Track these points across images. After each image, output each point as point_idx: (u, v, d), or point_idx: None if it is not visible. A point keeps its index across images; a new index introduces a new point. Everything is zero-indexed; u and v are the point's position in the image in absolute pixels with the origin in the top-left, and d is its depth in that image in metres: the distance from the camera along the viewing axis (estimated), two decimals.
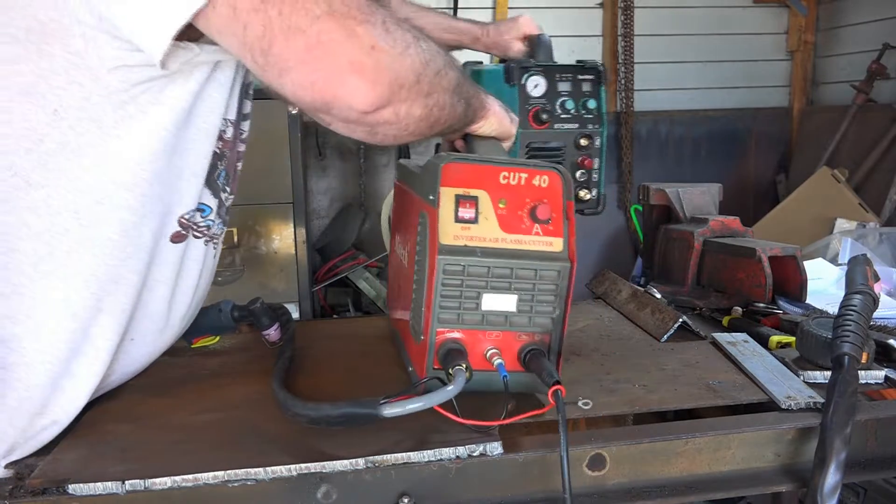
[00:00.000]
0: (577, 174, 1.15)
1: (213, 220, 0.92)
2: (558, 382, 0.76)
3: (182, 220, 0.87)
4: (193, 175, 0.86)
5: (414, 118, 0.73)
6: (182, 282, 0.91)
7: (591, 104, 1.14)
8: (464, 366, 0.78)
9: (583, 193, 1.16)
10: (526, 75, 1.10)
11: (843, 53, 3.59)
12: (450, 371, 0.78)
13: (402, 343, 0.99)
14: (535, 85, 1.10)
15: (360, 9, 0.67)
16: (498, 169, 0.82)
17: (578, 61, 1.15)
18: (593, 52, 3.52)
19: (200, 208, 0.89)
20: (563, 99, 1.12)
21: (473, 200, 0.81)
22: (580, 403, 0.84)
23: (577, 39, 3.50)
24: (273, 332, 1.07)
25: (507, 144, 0.95)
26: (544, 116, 1.10)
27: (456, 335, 0.82)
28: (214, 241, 0.95)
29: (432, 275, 0.79)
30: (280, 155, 2.74)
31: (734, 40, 3.66)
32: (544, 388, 0.78)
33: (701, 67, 3.67)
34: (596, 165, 1.15)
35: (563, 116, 1.12)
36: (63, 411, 0.81)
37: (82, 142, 0.76)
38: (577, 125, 1.13)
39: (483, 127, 0.90)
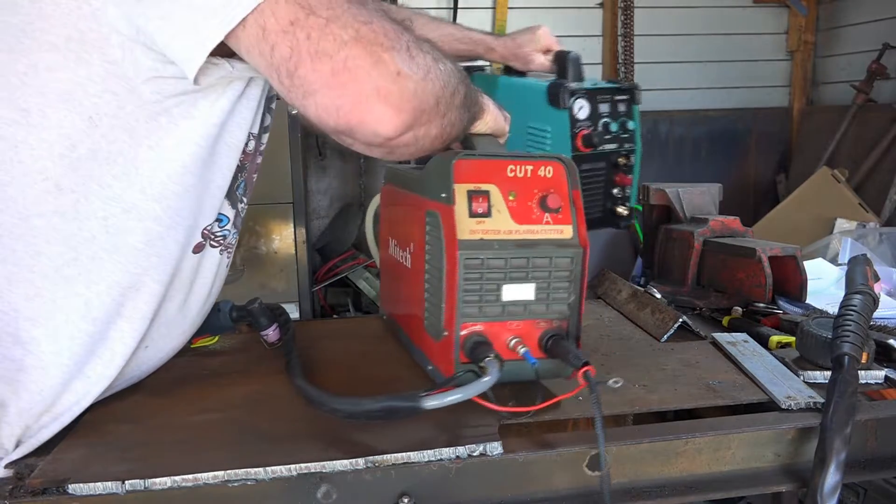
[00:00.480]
0: (615, 191, 1.16)
1: (229, 230, 0.93)
2: (587, 364, 0.77)
3: (204, 231, 0.88)
4: (217, 188, 0.87)
5: (430, 138, 0.74)
6: (196, 290, 0.92)
7: (631, 125, 1.15)
8: (494, 356, 0.79)
9: (621, 210, 1.17)
10: (572, 99, 1.10)
11: (843, 53, 3.58)
12: (480, 364, 0.79)
13: (413, 344, 0.99)
14: (580, 108, 1.11)
15: (387, 35, 0.67)
16: (505, 163, 0.84)
17: (610, 80, 1.17)
18: (593, 52, 3.52)
19: (219, 219, 0.90)
20: (606, 121, 1.13)
21: (485, 195, 0.83)
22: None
23: (577, 39, 3.49)
24: (272, 333, 1.07)
25: (500, 141, 0.96)
26: (595, 140, 1.11)
27: (478, 328, 0.83)
28: (228, 250, 0.96)
29: (453, 271, 0.80)
30: (280, 155, 2.74)
31: (734, 40, 3.66)
32: (568, 371, 0.78)
33: (701, 67, 3.67)
34: (632, 183, 1.17)
35: (605, 138, 1.13)
36: (67, 410, 0.81)
37: (113, 150, 0.76)
38: (616, 145, 1.14)
39: (479, 126, 0.91)
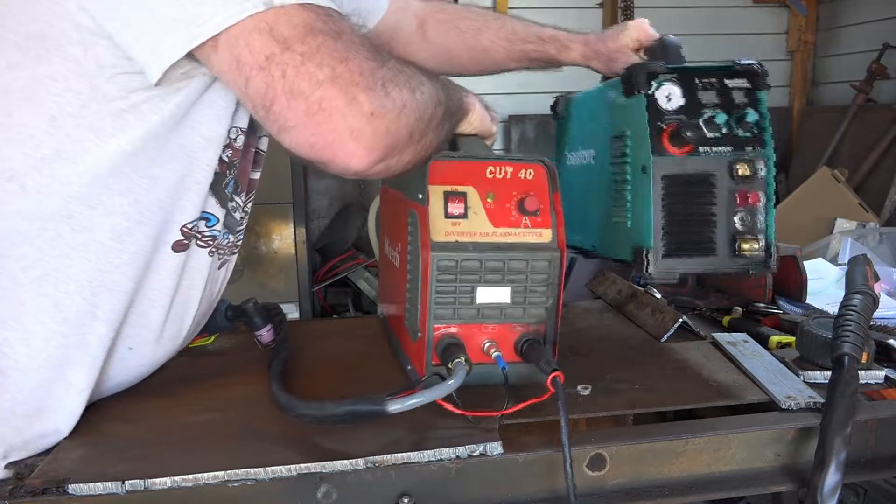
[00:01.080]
0: (736, 218, 0.85)
1: (219, 231, 0.91)
2: (556, 370, 0.76)
3: (185, 228, 0.86)
4: (196, 183, 0.85)
5: (403, 163, 0.74)
6: (184, 292, 0.90)
7: (751, 117, 0.85)
8: (462, 359, 0.78)
9: (746, 245, 0.85)
10: (655, 83, 0.85)
11: (843, 53, 3.59)
12: (449, 365, 0.79)
13: (397, 343, 0.99)
14: (668, 96, 0.85)
15: (363, 73, 0.67)
16: (484, 164, 0.84)
17: (726, 62, 0.90)
18: None
19: (205, 217, 0.88)
20: (710, 112, 0.85)
21: (462, 196, 0.82)
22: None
23: None
24: (265, 333, 1.06)
25: (488, 142, 0.95)
26: (688, 135, 0.82)
27: (452, 330, 0.82)
28: (220, 251, 0.93)
29: (426, 272, 0.80)
30: (280, 155, 2.72)
31: (734, 40, 3.65)
32: (543, 377, 0.78)
33: None
34: (762, 203, 0.86)
35: (710, 137, 0.84)
36: (62, 420, 0.81)
37: (78, 149, 0.75)
38: (731, 148, 0.85)
39: (464, 126, 0.90)
